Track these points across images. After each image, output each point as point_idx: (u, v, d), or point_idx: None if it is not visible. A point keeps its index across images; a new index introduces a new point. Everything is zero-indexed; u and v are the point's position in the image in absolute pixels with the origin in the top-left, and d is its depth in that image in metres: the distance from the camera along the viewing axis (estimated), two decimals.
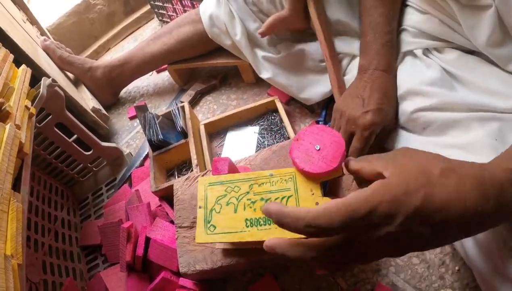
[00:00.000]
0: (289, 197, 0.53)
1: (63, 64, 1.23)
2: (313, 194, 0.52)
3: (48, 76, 0.99)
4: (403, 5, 0.74)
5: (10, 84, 0.72)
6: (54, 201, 0.92)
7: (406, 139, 0.67)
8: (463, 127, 0.59)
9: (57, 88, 0.86)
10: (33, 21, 1.45)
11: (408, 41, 0.72)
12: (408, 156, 0.39)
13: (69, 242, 0.90)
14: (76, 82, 1.27)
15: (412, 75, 0.68)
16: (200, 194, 0.59)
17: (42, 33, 1.46)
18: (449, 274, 0.63)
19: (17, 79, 0.77)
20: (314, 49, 0.89)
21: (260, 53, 0.96)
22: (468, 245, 0.52)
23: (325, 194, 0.58)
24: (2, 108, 0.65)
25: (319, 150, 0.51)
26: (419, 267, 0.65)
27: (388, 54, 0.70)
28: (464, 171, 0.35)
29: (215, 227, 0.55)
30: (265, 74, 0.95)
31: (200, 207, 0.57)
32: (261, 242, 0.40)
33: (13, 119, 0.66)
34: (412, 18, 0.72)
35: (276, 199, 0.53)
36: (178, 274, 0.70)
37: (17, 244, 0.52)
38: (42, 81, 0.82)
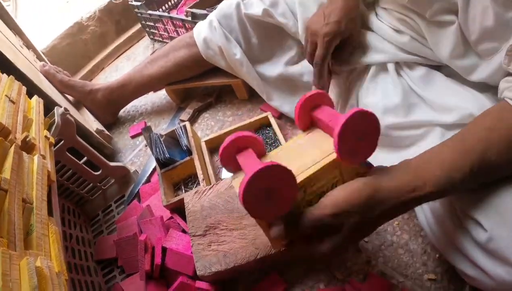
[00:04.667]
0: (337, 181, 0.54)
1: (63, 88, 1.29)
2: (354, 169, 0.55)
3: (55, 103, 1.08)
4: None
5: (28, 117, 0.80)
6: (67, 220, 0.99)
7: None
8: (423, 141, 0.71)
9: (68, 115, 0.93)
10: (29, 45, 1.50)
11: (382, 48, 0.81)
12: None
13: (85, 257, 0.96)
14: (77, 105, 1.34)
15: (380, 98, 0.79)
16: None
17: (38, 56, 1.51)
18: (431, 261, 0.72)
19: (32, 110, 0.84)
20: (306, 71, 0.99)
21: (258, 68, 1.06)
22: (427, 215, 0.64)
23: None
24: (27, 140, 0.72)
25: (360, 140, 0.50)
26: (404, 256, 0.74)
27: None
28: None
29: None
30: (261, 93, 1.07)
31: None
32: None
33: (38, 150, 0.74)
34: (387, 33, 0.81)
35: (327, 189, 0.53)
36: (193, 278, 0.79)
37: (61, 262, 0.60)
38: (55, 111, 0.90)
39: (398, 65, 0.80)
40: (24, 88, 0.86)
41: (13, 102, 0.76)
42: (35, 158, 0.68)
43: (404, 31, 0.77)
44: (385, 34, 0.81)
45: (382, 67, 0.81)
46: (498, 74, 0.61)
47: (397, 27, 0.78)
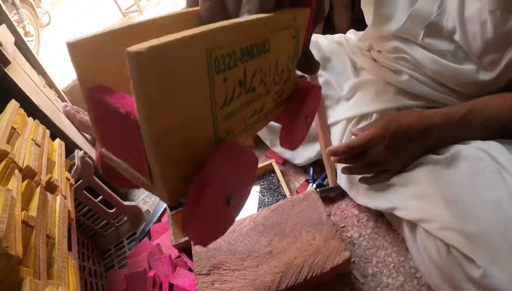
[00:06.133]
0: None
1: (83, 128, 1.37)
2: None
3: (75, 143, 1.16)
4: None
5: (51, 159, 0.87)
6: (81, 253, 1.05)
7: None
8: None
9: (87, 158, 1.01)
10: (51, 84, 1.58)
11: (382, 95, 0.88)
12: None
13: (97, 289, 1.01)
14: (94, 144, 1.41)
15: None
16: None
17: (60, 96, 1.59)
18: None
19: (55, 153, 0.92)
20: None
21: None
22: (422, 254, 0.70)
23: None
24: (51, 181, 0.80)
25: None
26: None
27: None
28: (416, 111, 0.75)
29: None
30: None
31: None
32: None
33: (60, 191, 0.81)
34: (386, 74, 0.88)
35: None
36: None
37: None
38: (76, 154, 0.98)
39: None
40: (48, 132, 0.94)
41: (39, 146, 0.83)
42: (58, 198, 0.75)
43: (402, 70, 0.83)
44: (384, 75, 0.87)
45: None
46: (502, 81, 0.71)
47: (395, 67, 0.84)
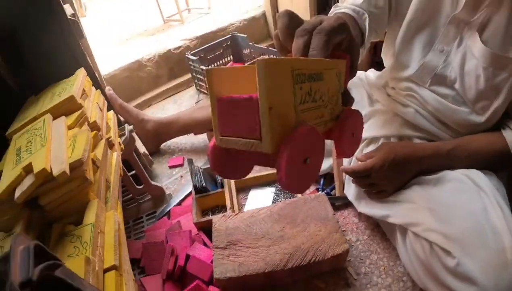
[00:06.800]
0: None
1: (121, 111, 1.50)
2: None
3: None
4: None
5: (108, 124, 1.01)
6: None
7: None
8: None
9: (133, 133, 1.15)
10: (95, 69, 1.74)
11: (390, 123, 1.03)
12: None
13: None
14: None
15: None
16: None
17: (101, 80, 1.75)
18: None
19: (110, 121, 1.05)
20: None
21: None
22: (409, 252, 0.84)
23: None
24: (110, 140, 0.93)
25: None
26: None
27: None
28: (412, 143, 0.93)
29: None
30: None
31: None
32: None
33: (116, 150, 0.95)
34: (395, 107, 1.03)
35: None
36: (207, 284, 0.95)
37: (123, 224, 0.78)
38: (126, 126, 1.12)
39: (402, 139, 1.00)
40: (106, 102, 1.09)
41: (101, 110, 0.97)
42: (114, 153, 0.89)
43: (410, 105, 0.98)
44: (394, 108, 1.02)
45: (388, 140, 1.01)
46: (490, 123, 0.86)
47: (404, 102, 0.99)
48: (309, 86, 0.43)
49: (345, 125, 0.52)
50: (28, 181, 0.61)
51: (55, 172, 0.60)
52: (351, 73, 0.54)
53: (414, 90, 0.95)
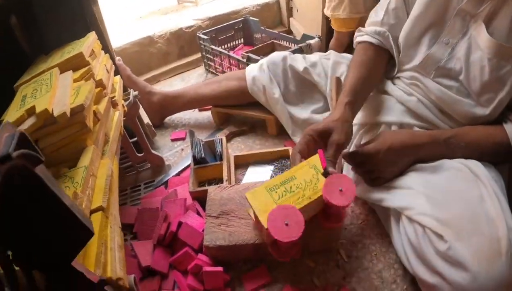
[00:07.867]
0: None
1: (129, 82, 1.50)
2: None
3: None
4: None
5: (114, 86, 1.02)
6: None
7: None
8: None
9: (138, 99, 1.15)
10: (106, 35, 1.74)
11: (392, 110, 1.03)
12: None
13: None
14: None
15: None
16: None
17: (111, 48, 1.76)
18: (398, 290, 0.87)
19: (116, 84, 1.07)
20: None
21: (290, 109, 1.28)
22: (402, 237, 0.84)
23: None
24: (113, 99, 0.94)
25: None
26: (375, 281, 0.88)
27: None
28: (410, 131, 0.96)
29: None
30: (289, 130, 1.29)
31: None
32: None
33: (119, 109, 0.95)
34: (399, 94, 1.03)
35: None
36: (197, 252, 0.95)
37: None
38: (131, 91, 1.12)
39: (402, 127, 1.00)
40: (113, 66, 1.09)
41: (108, 72, 0.98)
42: (117, 112, 0.89)
43: (413, 93, 0.99)
44: (397, 96, 1.02)
45: (389, 127, 1.02)
46: (493, 116, 0.87)
47: (408, 90, 1.01)
48: (284, 187, 0.83)
49: (324, 193, 0.79)
50: (29, 121, 0.62)
51: (56, 113, 0.60)
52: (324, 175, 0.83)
53: (419, 80, 0.97)
